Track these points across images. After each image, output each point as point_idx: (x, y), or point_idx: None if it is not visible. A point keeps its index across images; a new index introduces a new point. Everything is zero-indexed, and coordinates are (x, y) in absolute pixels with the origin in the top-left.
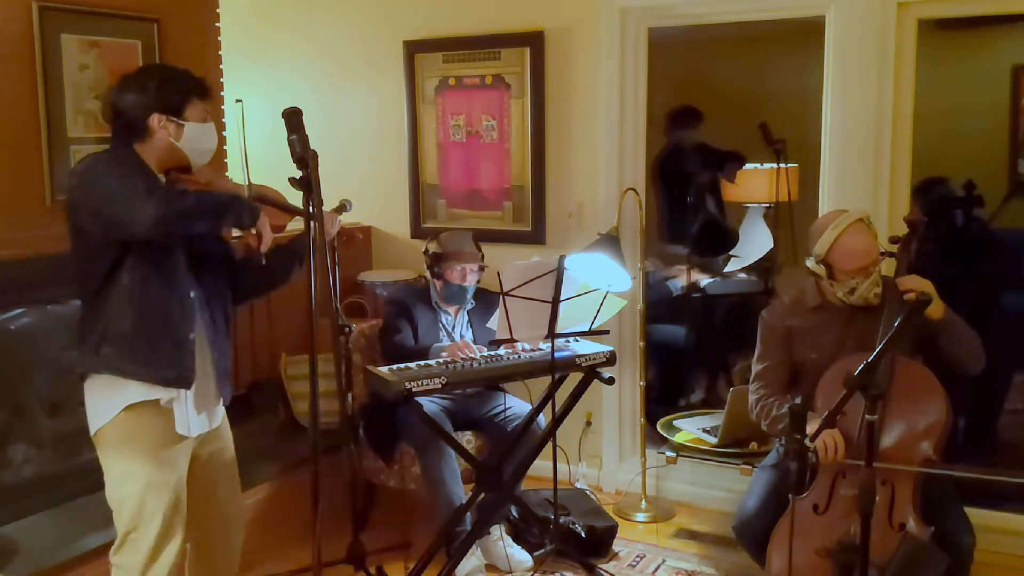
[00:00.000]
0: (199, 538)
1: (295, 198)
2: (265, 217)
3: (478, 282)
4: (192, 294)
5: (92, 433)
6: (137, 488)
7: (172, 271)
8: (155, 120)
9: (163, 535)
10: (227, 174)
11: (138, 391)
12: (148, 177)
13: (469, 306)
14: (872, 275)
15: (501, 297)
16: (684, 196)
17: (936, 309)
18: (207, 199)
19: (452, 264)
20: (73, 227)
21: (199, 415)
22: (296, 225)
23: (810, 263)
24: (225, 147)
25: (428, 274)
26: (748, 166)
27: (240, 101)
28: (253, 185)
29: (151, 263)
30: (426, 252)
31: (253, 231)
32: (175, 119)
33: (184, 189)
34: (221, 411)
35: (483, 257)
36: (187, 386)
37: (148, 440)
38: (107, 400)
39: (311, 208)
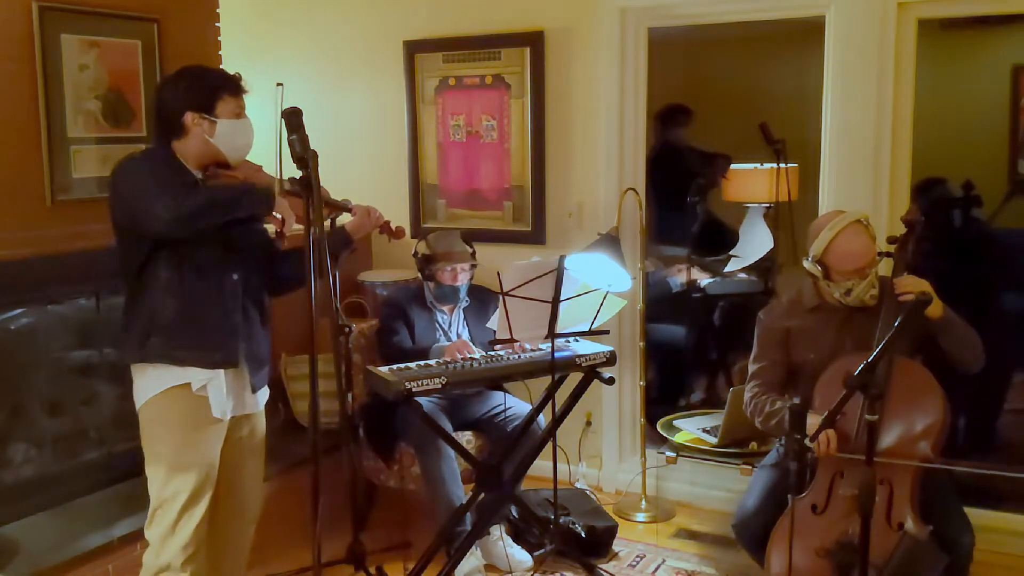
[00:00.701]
0: (214, 518)
1: (339, 191)
2: (284, 201)
3: (471, 279)
4: (236, 276)
5: (137, 407)
6: (163, 468)
7: (210, 258)
8: (189, 118)
9: (182, 513)
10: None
11: (172, 376)
12: (180, 175)
13: (464, 304)
14: (868, 277)
15: (501, 297)
16: (674, 196)
17: (935, 308)
18: (217, 194)
19: (442, 265)
20: (112, 223)
21: (232, 400)
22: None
23: (807, 263)
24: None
25: (420, 276)
26: (748, 166)
27: (281, 85)
28: (284, 180)
29: (187, 253)
30: (415, 254)
31: (278, 216)
32: (207, 116)
33: (195, 184)
34: (257, 399)
35: (475, 254)
36: (234, 365)
37: (177, 423)
38: (145, 383)
39: (310, 208)
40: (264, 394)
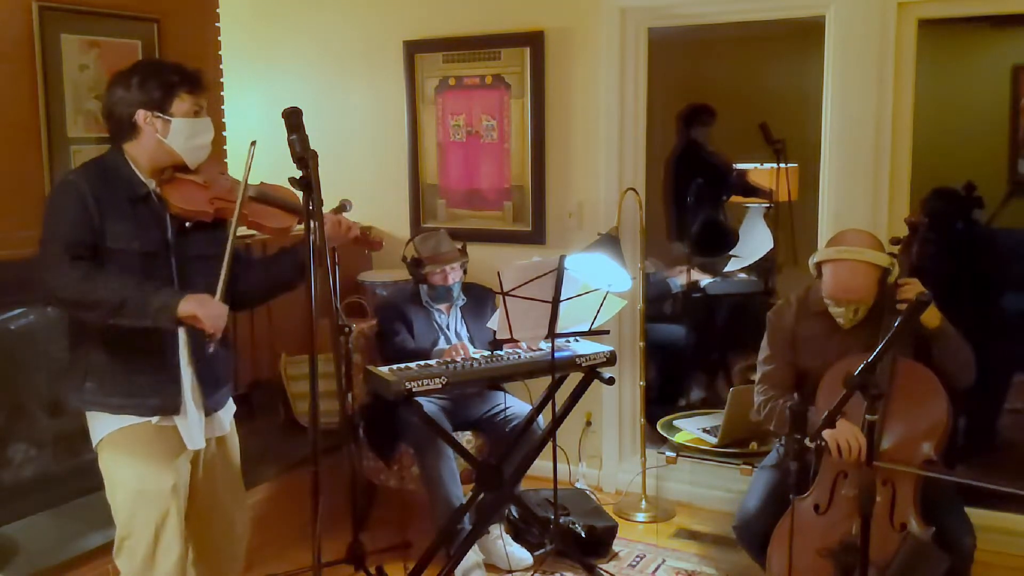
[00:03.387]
0: (200, 542)
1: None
2: (196, 305)
3: (464, 275)
4: None
5: (94, 444)
6: (128, 497)
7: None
8: (141, 117)
9: (155, 542)
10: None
11: (128, 418)
12: (127, 188)
13: (461, 303)
14: (844, 309)
15: (502, 297)
16: (703, 196)
17: (932, 318)
18: (107, 295)
19: (431, 268)
20: None
21: (195, 428)
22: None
23: (810, 261)
24: (225, 136)
25: (413, 279)
26: (748, 166)
27: (254, 143)
28: (252, 185)
29: None
30: (404, 259)
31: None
32: (161, 115)
33: (145, 198)
34: (224, 419)
35: (465, 249)
36: (175, 412)
37: (140, 453)
38: (98, 423)
39: (310, 208)
40: (228, 412)
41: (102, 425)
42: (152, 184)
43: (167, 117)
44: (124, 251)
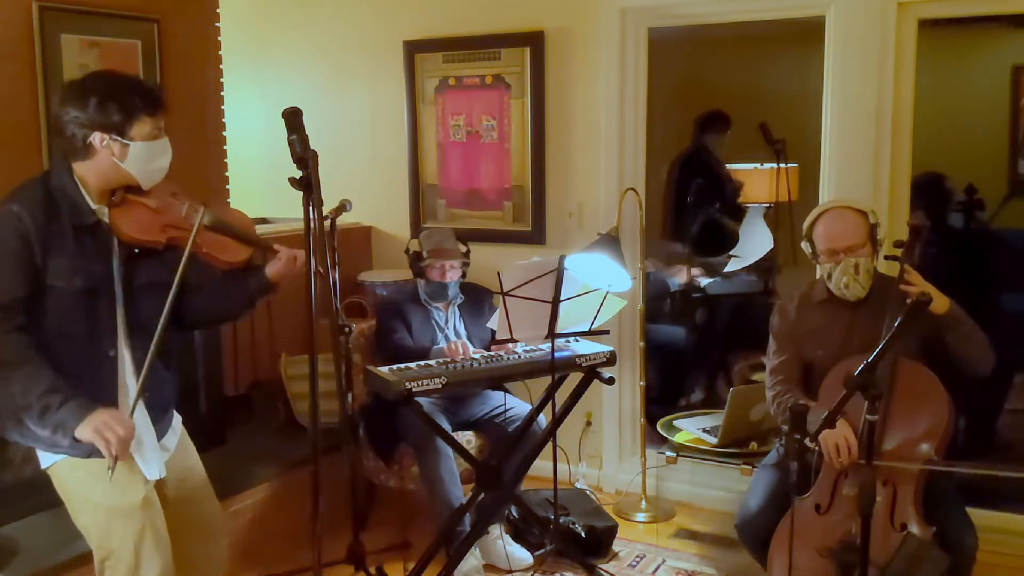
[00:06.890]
0: (181, 554)
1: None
2: (101, 426)
3: (463, 277)
4: (112, 352)
5: (43, 466)
6: (100, 515)
7: (84, 331)
8: (97, 139)
9: (136, 559)
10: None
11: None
12: (74, 215)
13: (459, 301)
14: (842, 263)
15: (501, 297)
16: (701, 200)
17: (940, 304)
18: (16, 386)
19: (431, 262)
20: None
21: (152, 459)
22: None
23: (803, 243)
24: (225, 136)
25: (412, 272)
26: (748, 166)
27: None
28: (207, 211)
29: (56, 325)
30: (407, 251)
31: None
32: (119, 138)
33: (94, 227)
34: (171, 441)
35: (468, 252)
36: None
37: (100, 469)
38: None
39: (311, 207)
40: (176, 430)
41: (48, 455)
42: (101, 211)
43: (126, 141)
44: (64, 288)
